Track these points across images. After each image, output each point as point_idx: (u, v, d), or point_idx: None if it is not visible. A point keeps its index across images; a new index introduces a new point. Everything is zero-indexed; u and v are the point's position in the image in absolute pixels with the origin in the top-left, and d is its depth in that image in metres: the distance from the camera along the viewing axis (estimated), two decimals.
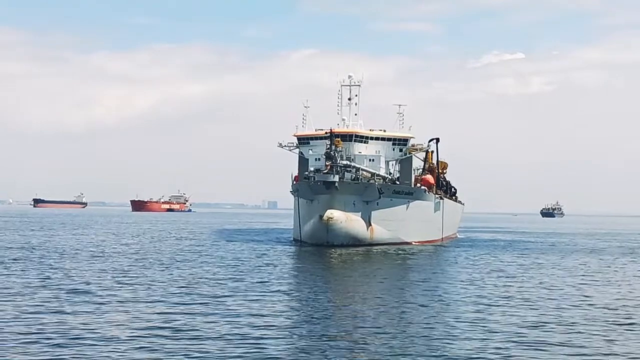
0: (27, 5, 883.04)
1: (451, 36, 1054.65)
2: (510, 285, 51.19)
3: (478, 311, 38.64)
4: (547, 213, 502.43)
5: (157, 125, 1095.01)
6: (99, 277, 51.07)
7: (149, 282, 48.13)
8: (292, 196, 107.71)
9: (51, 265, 59.39)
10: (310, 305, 39.13)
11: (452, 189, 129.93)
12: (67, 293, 42.17)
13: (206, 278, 51.41)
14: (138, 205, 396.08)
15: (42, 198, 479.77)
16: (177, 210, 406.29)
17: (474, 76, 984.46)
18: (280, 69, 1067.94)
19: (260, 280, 51.02)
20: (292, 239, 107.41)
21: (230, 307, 38.07)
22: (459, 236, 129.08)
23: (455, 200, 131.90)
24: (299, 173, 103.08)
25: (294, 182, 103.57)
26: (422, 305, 40.12)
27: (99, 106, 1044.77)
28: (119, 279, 50.10)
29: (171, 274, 53.55)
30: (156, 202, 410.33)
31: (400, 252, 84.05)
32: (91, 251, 76.33)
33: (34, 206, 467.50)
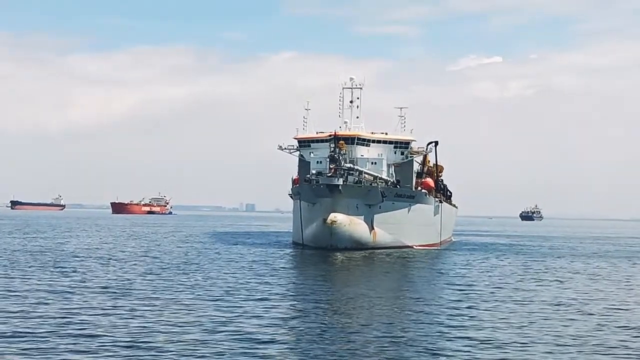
0: (5, 7, 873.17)
1: (431, 40, 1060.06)
2: (536, 289, 50.96)
3: (526, 316, 38.25)
4: (526, 216, 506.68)
5: (136, 128, 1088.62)
6: (117, 282, 50.10)
7: (161, 287, 47.25)
8: (289, 199, 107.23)
9: (67, 269, 58.24)
10: (325, 312, 38.22)
11: (448, 192, 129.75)
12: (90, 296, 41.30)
13: (216, 282, 50.74)
14: (118, 208, 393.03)
15: (19, 200, 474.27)
16: (158, 213, 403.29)
17: (452, 80, 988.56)
18: (261, 71, 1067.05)
19: (271, 284, 50.34)
20: (291, 241, 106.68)
21: (243, 311, 37.67)
22: (453, 239, 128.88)
23: (450, 203, 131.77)
24: (299, 176, 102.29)
25: (294, 185, 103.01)
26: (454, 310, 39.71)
27: (77, 108, 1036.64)
28: (136, 285, 49.17)
29: (180, 279, 52.53)
30: (137, 204, 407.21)
31: (404, 256, 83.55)
32: (101, 255, 75.09)
33: (12, 208, 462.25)
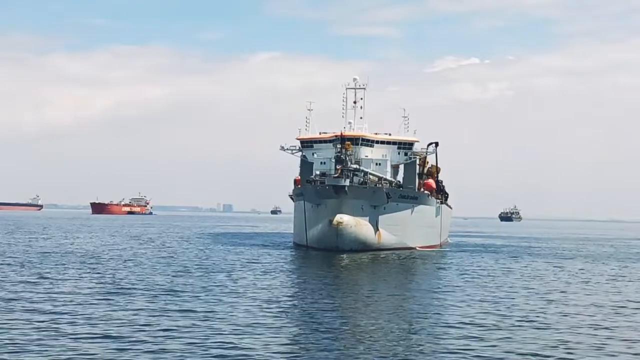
0: None
1: (412, 41, 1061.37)
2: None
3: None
4: (505, 217, 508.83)
5: (114, 128, 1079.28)
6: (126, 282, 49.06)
7: (168, 289, 46.82)
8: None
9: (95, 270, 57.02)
10: (351, 317, 37.79)
11: (446, 194, 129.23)
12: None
13: (226, 285, 49.91)
14: (98, 208, 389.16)
15: None
16: (138, 213, 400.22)
17: (432, 81, 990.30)
18: (241, 71, 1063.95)
19: (285, 288, 49.87)
20: (292, 243, 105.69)
21: (257, 314, 37.47)
22: (449, 241, 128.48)
23: (447, 204, 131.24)
24: (301, 176, 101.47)
25: (296, 186, 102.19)
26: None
27: (55, 108, 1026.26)
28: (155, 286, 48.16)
29: (188, 280, 52.16)
30: (117, 204, 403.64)
31: (411, 257, 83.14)
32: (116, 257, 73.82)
33: None
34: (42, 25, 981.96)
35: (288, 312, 38.57)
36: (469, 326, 35.18)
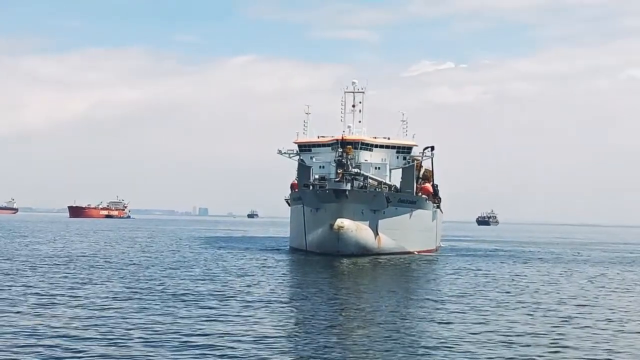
0: None
1: (389, 45, 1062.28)
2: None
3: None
4: (482, 221, 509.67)
5: (89, 131, 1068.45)
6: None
7: (171, 293, 46.59)
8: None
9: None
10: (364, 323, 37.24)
11: (439, 198, 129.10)
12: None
13: (231, 291, 48.92)
14: (76, 212, 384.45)
15: None
16: (116, 217, 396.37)
17: (410, 85, 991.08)
18: (218, 74, 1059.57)
19: (294, 292, 49.87)
20: (289, 247, 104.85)
21: (265, 317, 37.53)
22: (442, 245, 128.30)
23: (440, 208, 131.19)
24: (299, 181, 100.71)
25: (293, 190, 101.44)
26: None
27: (29, 110, 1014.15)
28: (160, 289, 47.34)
29: (189, 284, 51.87)
30: (94, 208, 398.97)
31: (412, 261, 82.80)
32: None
33: None
34: (15, 27, 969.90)
35: (296, 315, 38.63)
36: (479, 329, 35.08)
